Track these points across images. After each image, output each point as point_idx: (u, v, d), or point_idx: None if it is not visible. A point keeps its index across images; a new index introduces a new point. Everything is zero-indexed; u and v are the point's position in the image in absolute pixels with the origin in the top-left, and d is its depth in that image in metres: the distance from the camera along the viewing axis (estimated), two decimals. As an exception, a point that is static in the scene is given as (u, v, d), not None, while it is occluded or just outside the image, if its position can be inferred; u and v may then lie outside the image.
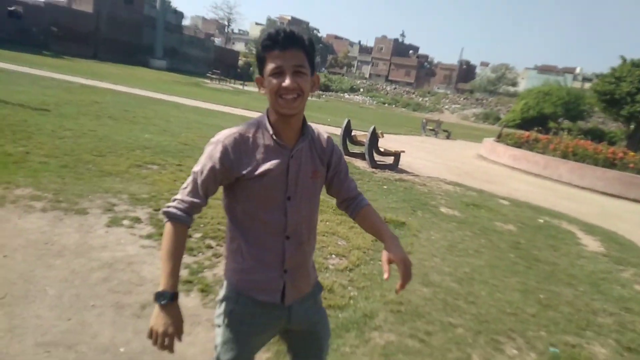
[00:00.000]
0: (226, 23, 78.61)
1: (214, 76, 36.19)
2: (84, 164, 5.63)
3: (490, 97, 60.51)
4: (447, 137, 20.42)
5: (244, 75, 48.21)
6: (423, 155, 12.17)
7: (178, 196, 1.43)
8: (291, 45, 1.36)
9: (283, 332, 1.65)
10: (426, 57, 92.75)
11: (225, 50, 57.68)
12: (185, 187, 1.43)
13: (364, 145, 8.88)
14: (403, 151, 9.14)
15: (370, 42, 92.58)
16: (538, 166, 11.51)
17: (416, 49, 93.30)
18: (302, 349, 1.67)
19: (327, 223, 4.98)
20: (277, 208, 1.45)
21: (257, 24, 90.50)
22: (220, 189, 1.50)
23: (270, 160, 1.41)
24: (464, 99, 57.39)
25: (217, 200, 5.01)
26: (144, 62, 40.55)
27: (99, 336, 2.46)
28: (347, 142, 9.73)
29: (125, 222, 4.07)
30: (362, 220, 1.66)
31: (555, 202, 8.49)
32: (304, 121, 1.49)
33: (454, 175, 9.56)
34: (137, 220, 4.15)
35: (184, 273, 3.27)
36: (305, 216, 1.53)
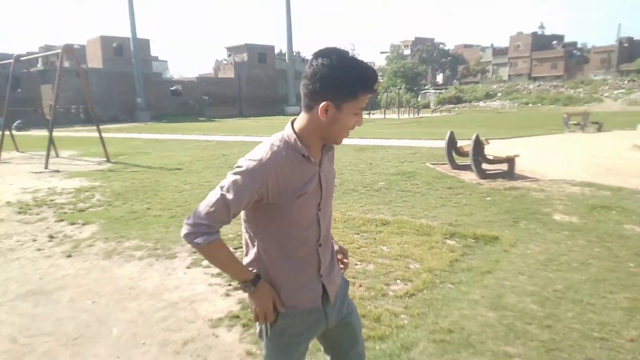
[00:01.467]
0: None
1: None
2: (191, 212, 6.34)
3: (666, 73, 50.88)
4: (599, 130, 17.68)
5: (372, 105, 49.27)
6: (556, 156, 10.73)
7: (205, 221, 1.39)
8: (376, 84, 1.39)
9: (320, 335, 1.67)
10: (574, 44, 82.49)
11: (353, 84, 59.82)
12: (214, 211, 1.38)
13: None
14: (517, 155, 8.19)
15: (505, 43, 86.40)
16: None
17: (560, 38, 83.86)
18: (339, 343, 1.69)
19: (405, 245, 4.72)
20: (313, 221, 1.49)
21: (381, 52, 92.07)
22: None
23: (307, 179, 1.43)
24: (628, 81, 49.31)
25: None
26: (281, 111, 44.43)
27: (138, 371, 2.71)
28: (453, 155, 9.14)
29: (205, 262, 4.44)
30: None
31: None
32: None
33: (589, 175, 8.20)
34: (215, 260, 4.50)
35: (234, 308, 3.43)
36: (329, 218, 1.58)
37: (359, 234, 5.25)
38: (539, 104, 46.51)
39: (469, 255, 4.38)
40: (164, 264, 4.45)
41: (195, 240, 1.39)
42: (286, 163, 1.39)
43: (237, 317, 3.29)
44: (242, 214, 1.51)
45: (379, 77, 1.38)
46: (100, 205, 7.03)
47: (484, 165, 8.17)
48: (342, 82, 1.32)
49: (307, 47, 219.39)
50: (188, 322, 3.27)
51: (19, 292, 3.86)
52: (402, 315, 3.24)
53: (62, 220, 6.16)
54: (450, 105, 48.51)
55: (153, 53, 48.56)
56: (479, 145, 8.00)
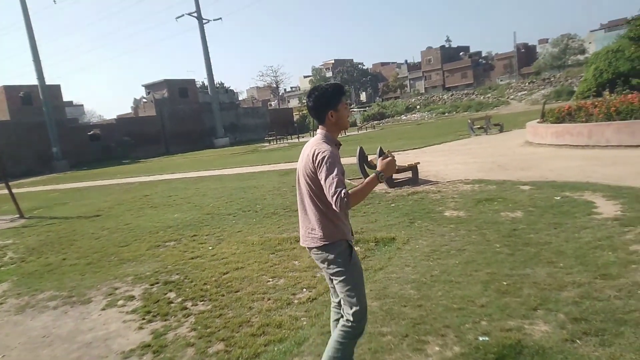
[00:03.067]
0: (275, 86, 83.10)
1: (270, 138, 38.13)
2: (107, 257, 6.39)
3: (559, 72, 56.59)
4: (500, 131, 19.47)
5: (302, 128, 50.24)
6: (459, 159, 11.79)
7: (340, 187, 2.20)
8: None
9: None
10: (479, 53, 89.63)
11: (279, 111, 60.83)
12: (338, 181, 2.22)
13: (378, 168, 8.91)
14: (418, 163, 9.01)
15: (417, 58, 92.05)
16: (582, 137, 10.61)
17: (466, 49, 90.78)
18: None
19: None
20: None
21: (305, 77, 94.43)
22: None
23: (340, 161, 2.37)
24: (529, 83, 54.28)
25: (194, 264, 5.28)
26: (209, 144, 44.00)
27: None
28: (366, 168, 9.80)
29: (120, 302, 4.57)
30: None
31: (593, 172, 7.79)
32: None
33: (483, 173, 9.17)
34: (131, 298, 4.65)
35: (147, 339, 3.63)
36: None
37: (274, 253, 5.59)
38: (454, 112, 49.82)
39: (369, 257, 4.87)
40: (79, 310, 4.52)
41: (344, 199, 2.18)
42: (333, 146, 2.41)
43: (149, 345, 3.51)
44: (312, 184, 2.40)
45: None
46: (13, 262, 6.84)
47: (394, 175, 8.88)
48: (331, 97, 2.42)
49: (230, 77, 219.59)
50: (100, 358, 3.43)
51: None
52: (302, 318, 3.62)
53: (-31, 283, 5.94)
54: (375, 122, 50.63)
55: (66, 98, 46.62)
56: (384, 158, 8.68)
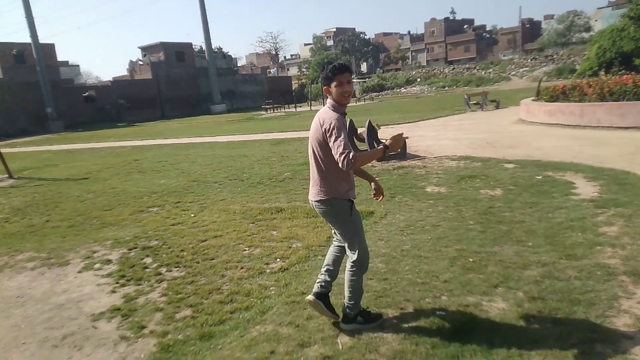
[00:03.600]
0: (274, 53, 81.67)
1: (267, 106, 37.79)
2: (90, 220, 6.42)
3: (563, 50, 55.76)
4: (496, 107, 19.34)
5: (301, 97, 49.74)
6: (450, 135, 11.75)
7: (347, 149, 2.48)
8: (345, 70, 2.71)
9: None
10: (483, 27, 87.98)
11: (278, 79, 59.99)
12: (344, 143, 2.50)
13: (368, 141, 8.89)
14: (406, 137, 8.96)
15: (420, 29, 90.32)
16: (574, 116, 10.55)
17: (470, 22, 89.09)
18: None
19: (293, 228, 5.17)
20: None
21: (305, 44, 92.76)
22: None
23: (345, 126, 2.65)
24: (531, 59, 53.51)
25: (174, 231, 5.28)
26: (206, 110, 43.60)
27: (15, 367, 2.93)
28: (355, 141, 9.77)
29: (97, 265, 4.62)
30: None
31: (579, 152, 7.79)
32: None
33: (470, 149, 9.16)
34: (108, 262, 4.69)
35: (118, 302, 3.69)
36: None
37: (254, 223, 5.63)
38: (454, 87, 49.31)
39: (345, 230, 4.91)
40: (55, 272, 4.57)
41: (351, 159, 2.45)
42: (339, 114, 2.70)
43: (119, 309, 3.56)
44: (318, 147, 2.73)
45: (341, 65, 2.69)
46: (-4, 222, 6.87)
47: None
48: (325, 76, 2.72)
49: (229, 43, 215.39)
50: (70, 320, 3.49)
51: None
52: (271, 288, 3.68)
53: (-49, 242, 5.98)
54: (374, 94, 50.12)
55: (61, 58, 45.80)
56: (372, 131, 8.67)
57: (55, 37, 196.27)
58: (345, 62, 2.83)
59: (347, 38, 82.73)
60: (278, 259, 4.34)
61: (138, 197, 7.61)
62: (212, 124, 27.24)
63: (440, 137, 11.28)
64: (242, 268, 4.20)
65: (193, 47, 48.79)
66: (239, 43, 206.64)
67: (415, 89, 52.33)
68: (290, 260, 4.20)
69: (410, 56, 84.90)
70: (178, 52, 44.64)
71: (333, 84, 2.69)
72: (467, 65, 59.47)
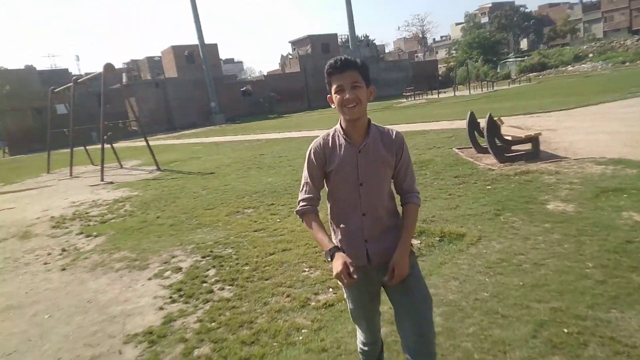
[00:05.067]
0: (421, 36, 78.45)
1: (408, 94, 36.50)
2: (190, 220, 6.68)
3: None
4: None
5: (447, 82, 47.04)
6: (607, 127, 9.43)
7: (299, 197, 1.98)
8: (347, 68, 1.80)
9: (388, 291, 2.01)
10: (686, -15, 71.05)
11: (423, 64, 57.64)
12: (302, 190, 1.98)
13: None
14: (539, 134, 7.38)
15: (597, -4, 77.12)
16: None
17: (668, -20, 72.79)
18: (399, 301, 1.97)
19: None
20: (353, 191, 1.89)
21: (457, 24, 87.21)
22: None
23: (344, 156, 1.88)
24: None
25: (252, 238, 5.04)
26: (349, 99, 44.09)
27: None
28: (477, 137, 8.49)
29: (167, 273, 4.67)
30: (402, 215, 1.99)
31: None
32: (369, 123, 1.92)
33: (628, 148, 7.15)
34: (178, 270, 4.71)
35: (156, 323, 3.59)
36: (378, 198, 1.92)
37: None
38: (638, 62, 40.98)
39: (421, 258, 4.11)
40: (132, 276, 4.75)
41: (296, 212, 2.01)
42: (330, 140, 1.97)
43: (151, 332, 3.44)
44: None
45: (341, 61, 1.80)
46: (122, 216, 7.64)
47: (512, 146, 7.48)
48: (325, 77, 1.89)
49: (377, 29, 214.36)
50: (109, 338, 3.49)
51: (0, 307, 4.38)
52: (303, 330, 3.17)
53: (81, 233, 6.81)
54: (534, 74, 44.55)
55: (228, 55, 50.90)
56: (493, 126, 7.35)
57: (219, 36, 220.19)
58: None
59: (504, 13, 75.16)
60: (330, 288, 3.79)
61: (241, 196, 7.73)
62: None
63: (593, 130, 9.16)
64: (288, 296, 3.76)
65: (338, 37, 49.61)
66: (388, 29, 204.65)
67: (586, 66, 44.93)
68: (340, 294, 3.61)
69: (582, 28, 73.35)
70: (324, 44, 45.94)
71: (332, 89, 1.84)
72: (661, 34, 48.82)
